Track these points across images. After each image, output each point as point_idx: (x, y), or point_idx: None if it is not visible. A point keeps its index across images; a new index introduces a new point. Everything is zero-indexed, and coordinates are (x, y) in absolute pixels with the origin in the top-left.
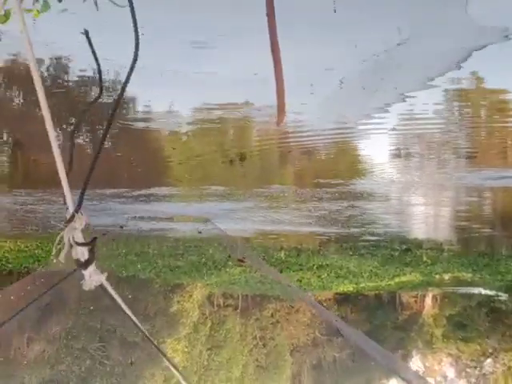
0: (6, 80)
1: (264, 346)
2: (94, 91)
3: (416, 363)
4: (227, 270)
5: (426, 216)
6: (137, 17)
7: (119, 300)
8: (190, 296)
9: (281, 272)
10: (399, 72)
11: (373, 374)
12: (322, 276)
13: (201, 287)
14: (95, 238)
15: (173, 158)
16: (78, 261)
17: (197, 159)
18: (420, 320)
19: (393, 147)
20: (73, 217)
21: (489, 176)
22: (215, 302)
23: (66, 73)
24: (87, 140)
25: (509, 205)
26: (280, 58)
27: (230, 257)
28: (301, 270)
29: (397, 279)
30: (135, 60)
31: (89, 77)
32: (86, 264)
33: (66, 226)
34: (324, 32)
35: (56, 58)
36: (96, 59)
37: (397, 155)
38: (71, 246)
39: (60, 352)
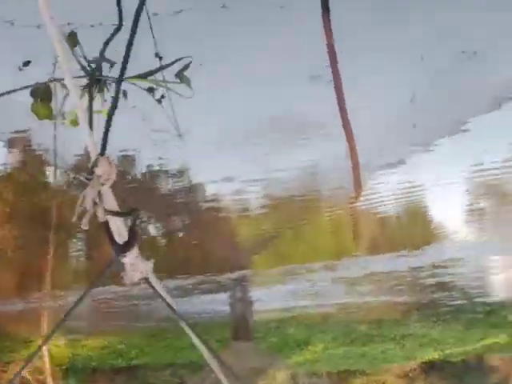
0: None
1: None
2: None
3: None
4: (309, 347)
5: (508, 275)
6: None
7: (163, 292)
8: (274, 378)
9: (363, 345)
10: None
11: None
12: (406, 346)
13: (285, 366)
14: (135, 210)
15: None
16: (112, 242)
17: None
18: (510, 383)
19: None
20: (96, 162)
21: None
22: (300, 382)
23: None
24: None
25: None
26: (353, 135)
27: None
28: (383, 341)
29: (482, 342)
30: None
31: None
32: (126, 247)
33: (87, 180)
34: None
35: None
36: None
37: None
38: (95, 206)
39: None
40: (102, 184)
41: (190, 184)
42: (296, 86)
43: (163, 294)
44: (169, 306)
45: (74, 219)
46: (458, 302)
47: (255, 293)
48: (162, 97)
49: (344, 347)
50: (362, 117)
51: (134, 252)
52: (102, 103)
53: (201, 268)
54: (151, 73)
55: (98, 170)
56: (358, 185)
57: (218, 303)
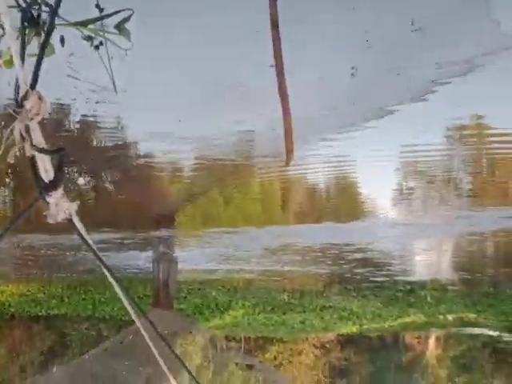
0: None
1: None
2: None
3: None
4: (230, 312)
5: (430, 257)
6: None
7: (85, 234)
8: (193, 339)
9: (284, 314)
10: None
11: None
12: (325, 318)
13: (203, 330)
14: (62, 149)
15: None
16: (38, 180)
17: None
18: (424, 361)
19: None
20: (25, 95)
21: (492, 216)
22: (218, 345)
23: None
24: None
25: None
26: (287, 99)
27: None
28: (304, 311)
29: (400, 320)
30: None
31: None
32: (52, 186)
33: (16, 113)
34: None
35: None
36: None
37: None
38: (23, 141)
39: None
40: (31, 118)
41: (123, 139)
42: (238, 47)
43: (85, 235)
44: (89, 246)
45: (0, 152)
46: (380, 279)
47: (180, 253)
48: (101, 43)
49: (264, 314)
50: (301, 87)
51: (59, 191)
52: (38, 47)
53: (127, 224)
54: (89, 21)
55: (27, 104)
56: (289, 149)
57: (142, 260)
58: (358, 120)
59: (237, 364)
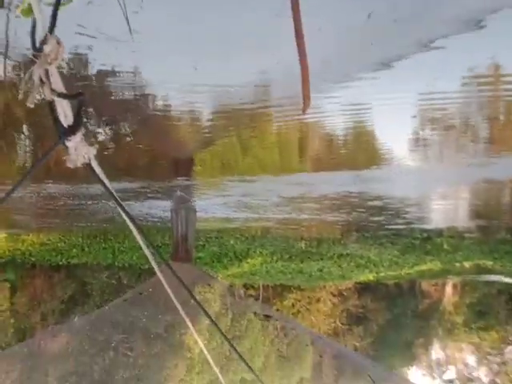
0: None
1: (285, 335)
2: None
3: (437, 351)
4: (248, 260)
5: (447, 204)
6: None
7: (105, 179)
8: (212, 287)
9: (301, 262)
10: None
11: (394, 363)
12: (343, 265)
13: (222, 278)
14: (81, 94)
15: None
16: (58, 125)
17: None
18: (440, 308)
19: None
20: (44, 40)
21: (510, 162)
22: (236, 293)
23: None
24: None
25: None
26: (304, 44)
27: None
28: (321, 259)
29: (417, 268)
30: None
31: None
32: (71, 131)
33: (35, 57)
34: None
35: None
36: None
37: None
38: (42, 84)
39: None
40: (50, 63)
41: (140, 89)
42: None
43: (104, 179)
44: (107, 189)
45: (20, 96)
46: (396, 227)
47: (198, 201)
48: None
49: (282, 262)
50: (317, 34)
51: (78, 136)
52: None
53: (145, 173)
54: None
55: (46, 48)
56: (306, 96)
57: (161, 209)
58: (374, 67)
59: (255, 314)
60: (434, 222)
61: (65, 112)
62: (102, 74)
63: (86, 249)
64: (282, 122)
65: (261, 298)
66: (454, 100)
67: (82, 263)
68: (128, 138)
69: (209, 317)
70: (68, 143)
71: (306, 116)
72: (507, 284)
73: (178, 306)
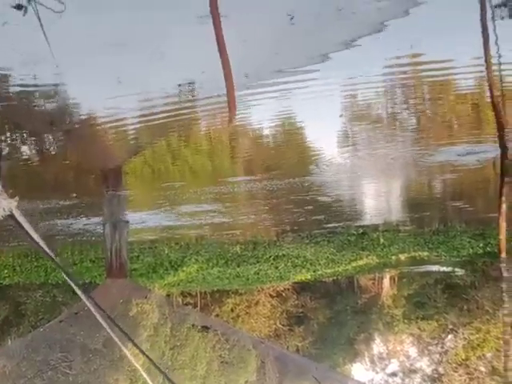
0: None
1: (226, 341)
2: None
3: (378, 345)
4: (184, 268)
5: (381, 199)
6: None
7: (29, 228)
8: (148, 300)
9: (238, 266)
10: None
11: (337, 361)
12: (279, 267)
13: (159, 288)
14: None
15: None
16: None
17: None
18: (379, 302)
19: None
20: None
21: (439, 153)
22: (174, 302)
23: None
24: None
25: (459, 180)
26: (227, 57)
27: None
28: (257, 262)
29: (354, 263)
30: None
31: None
32: None
33: None
34: None
35: None
36: None
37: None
38: None
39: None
40: None
41: (64, 102)
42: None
43: (29, 229)
44: (32, 240)
45: None
46: (332, 225)
47: (130, 213)
48: (24, 8)
49: (218, 268)
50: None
51: None
52: None
53: (75, 188)
54: None
55: None
56: (231, 106)
57: (94, 223)
58: (299, 65)
59: (193, 325)
60: (369, 217)
61: None
62: (25, 90)
63: (18, 268)
64: (210, 128)
65: (199, 305)
66: (378, 93)
67: (15, 283)
68: (54, 154)
69: (134, 344)
70: None
71: (235, 122)
72: (443, 273)
73: (105, 325)
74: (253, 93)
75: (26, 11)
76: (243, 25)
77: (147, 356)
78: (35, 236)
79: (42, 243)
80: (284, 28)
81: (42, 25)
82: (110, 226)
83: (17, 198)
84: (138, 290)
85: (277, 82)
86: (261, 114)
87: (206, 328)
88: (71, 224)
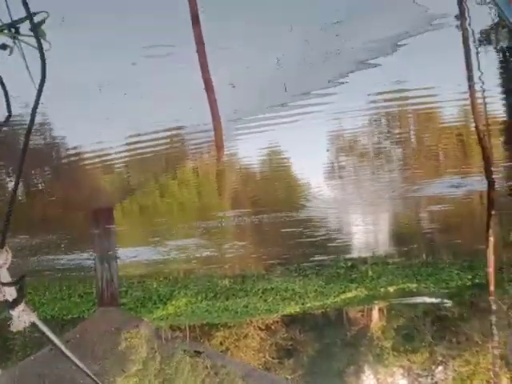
0: None
1: (216, 374)
2: None
3: (369, 377)
4: (173, 302)
5: (369, 232)
6: None
7: (53, 337)
8: (137, 332)
9: (226, 300)
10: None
11: None
12: (268, 300)
13: (147, 322)
14: (23, 276)
15: None
16: (5, 301)
17: None
18: (368, 334)
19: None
20: None
21: (426, 186)
22: (163, 336)
23: None
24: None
25: (446, 212)
26: (215, 95)
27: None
28: (246, 295)
29: (343, 296)
30: (43, 80)
31: None
32: (14, 304)
33: None
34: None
35: None
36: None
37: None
38: None
39: None
40: (1, 267)
41: (51, 139)
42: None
43: (50, 335)
44: (57, 346)
45: None
46: (320, 258)
47: (119, 248)
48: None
49: (207, 301)
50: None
51: (21, 307)
52: None
53: (64, 225)
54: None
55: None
56: (219, 146)
57: (82, 259)
58: (287, 105)
59: (184, 351)
60: (358, 250)
61: (10, 292)
62: (10, 128)
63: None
64: (198, 164)
65: (188, 338)
66: (364, 126)
67: (2, 319)
68: (41, 190)
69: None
70: (12, 312)
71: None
72: (432, 304)
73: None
74: (240, 127)
75: (11, 51)
76: (231, 64)
77: None
78: (57, 341)
79: (63, 348)
80: (271, 72)
81: (27, 66)
82: (101, 259)
83: (35, 313)
84: (130, 320)
85: (264, 117)
86: (248, 149)
87: (198, 353)
88: (60, 259)
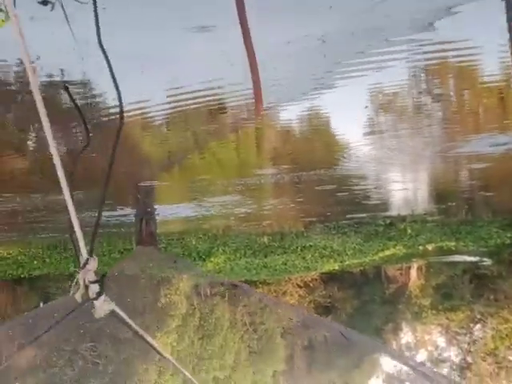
0: None
1: (254, 331)
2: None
3: (406, 335)
4: (212, 259)
5: (408, 189)
6: None
7: (131, 322)
8: (177, 288)
9: (265, 257)
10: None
11: (365, 352)
12: (307, 257)
13: (187, 278)
14: (104, 275)
15: None
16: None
17: None
18: (407, 292)
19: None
20: (87, 261)
21: (463, 143)
22: (202, 292)
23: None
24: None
25: (486, 170)
26: (253, 48)
27: None
28: (285, 253)
29: (381, 254)
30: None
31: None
32: (97, 296)
33: (80, 271)
34: None
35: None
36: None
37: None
38: (86, 287)
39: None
40: (90, 270)
41: (92, 96)
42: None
43: (131, 323)
44: (135, 330)
45: (71, 294)
46: (359, 215)
47: (159, 205)
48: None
49: (246, 258)
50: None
51: (102, 297)
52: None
53: (108, 181)
54: None
55: (88, 266)
56: (258, 99)
57: (121, 216)
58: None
59: (222, 284)
60: (397, 208)
61: (94, 287)
62: (52, 85)
63: (47, 260)
64: (237, 121)
65: (227, 295)
66: (403, 83)
67: (44, 274)
68: (84, 150)
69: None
70: (96, 302)
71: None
72: (471, 263)
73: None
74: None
75: (53, 7)
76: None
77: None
78: (137, 328)
79: (144, 335)
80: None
81: (66, 18)
82: (140, 211)
83: (114, 302)
84: (167, 256)
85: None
86: (288, 108)
87: (235, 286)
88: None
